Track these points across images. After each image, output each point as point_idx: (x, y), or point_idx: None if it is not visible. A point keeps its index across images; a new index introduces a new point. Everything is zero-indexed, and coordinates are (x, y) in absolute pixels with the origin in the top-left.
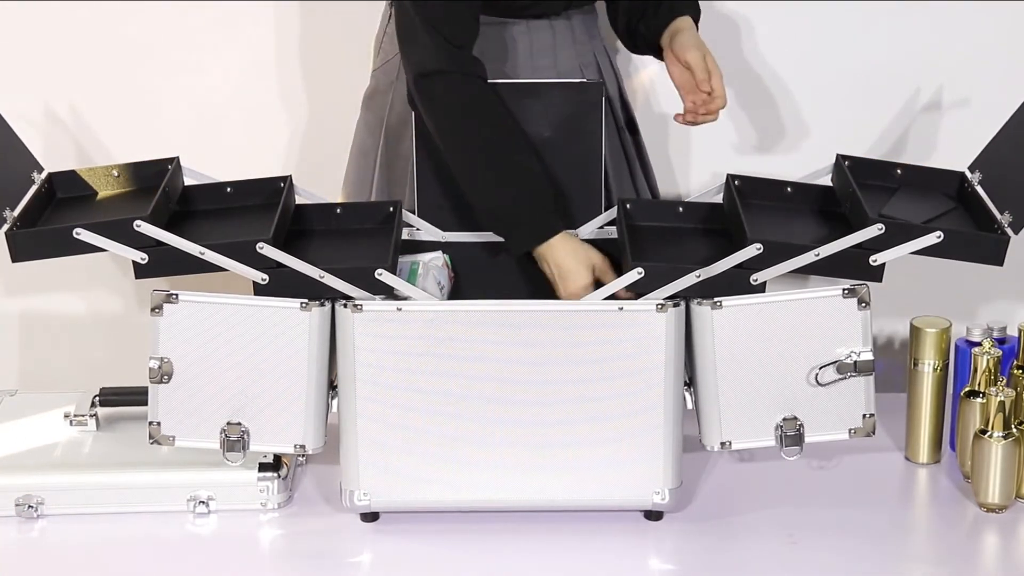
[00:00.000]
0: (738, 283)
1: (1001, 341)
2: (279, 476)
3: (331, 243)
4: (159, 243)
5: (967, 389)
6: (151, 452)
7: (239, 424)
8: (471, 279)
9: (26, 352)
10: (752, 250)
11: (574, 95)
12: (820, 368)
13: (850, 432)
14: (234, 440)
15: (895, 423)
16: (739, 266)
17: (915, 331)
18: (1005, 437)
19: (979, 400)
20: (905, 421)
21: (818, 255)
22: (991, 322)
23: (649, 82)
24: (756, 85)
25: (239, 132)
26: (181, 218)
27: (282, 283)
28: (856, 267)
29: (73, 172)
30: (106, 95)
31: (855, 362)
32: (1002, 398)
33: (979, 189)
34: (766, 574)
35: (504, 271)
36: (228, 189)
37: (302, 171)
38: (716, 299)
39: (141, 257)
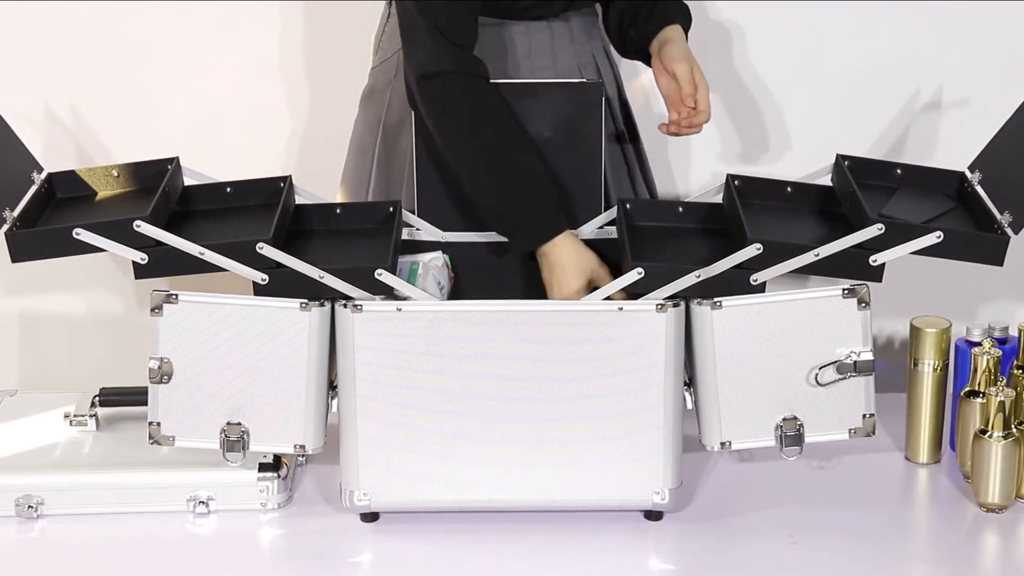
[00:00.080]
0: (738, 283)
1: (1001, 341)
2: (279, 476)
3: (331, 243)
4: (159, 243)
5: (967, 389)
6: (151, 452)
7: (239, 424)
8: (471, 279)
9: (26, 352)
10: (752, 250)
11: (574, 95)
12: (820, 368)
13: (850, 432)
14: (234, 440)
15: (895, 423)
16: (739, 266)
17: (915, 331)
18: (1005, 437)
19: (979, 400)
20: (905, 421)
21: (818, 255)
22: (991, 322)
23: (649, 83)
24: (756, 85)
25: (239, 132)
26: (181, 218)
27: (282, 283)
28: (856, 267)
29: (73, 172)
30: (106, 95)
31: (855, 362)
32: (1002, 398)
33: (979, 189)
34: (766, 574)
35: (504, 271)
36: (228, 189)
37: (302, 171)
38: (716, 299)
39: (141, 257)
